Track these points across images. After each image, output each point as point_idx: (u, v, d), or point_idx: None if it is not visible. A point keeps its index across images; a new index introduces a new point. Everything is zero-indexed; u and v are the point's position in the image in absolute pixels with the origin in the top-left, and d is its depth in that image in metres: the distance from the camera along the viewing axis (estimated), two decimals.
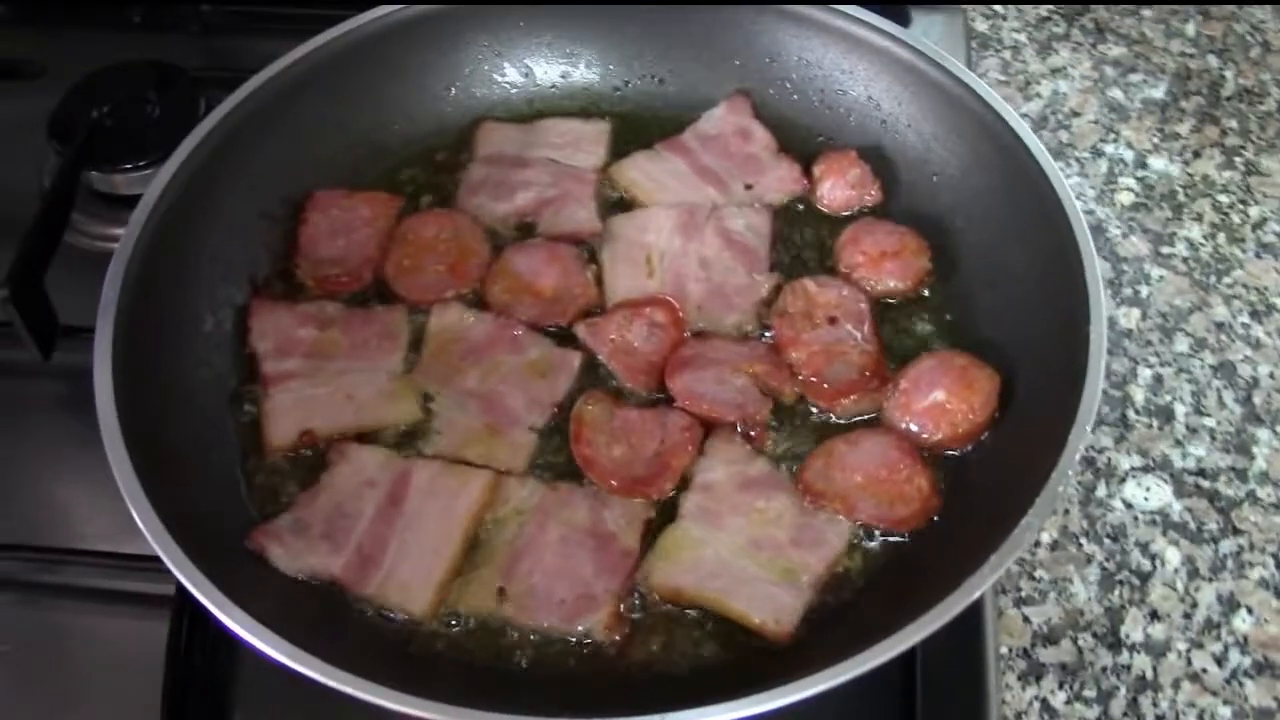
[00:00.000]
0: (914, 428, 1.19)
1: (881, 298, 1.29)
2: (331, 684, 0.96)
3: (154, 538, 1.02)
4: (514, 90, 1.46)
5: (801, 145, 1.40)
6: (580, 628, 1.09)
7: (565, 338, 1.27)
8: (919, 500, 1.15)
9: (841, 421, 1.22)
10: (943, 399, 1.18)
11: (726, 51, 1.43)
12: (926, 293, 1.30)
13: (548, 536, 1.14)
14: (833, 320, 1.25)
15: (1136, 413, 1.39)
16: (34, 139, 1.48)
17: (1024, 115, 1.65)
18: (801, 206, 1.37)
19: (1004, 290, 1.25)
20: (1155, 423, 1.39)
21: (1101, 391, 1.09)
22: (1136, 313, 1.47)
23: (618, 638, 1.09)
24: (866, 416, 1.22)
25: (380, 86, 1.41)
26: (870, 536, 1.15)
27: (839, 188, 1.34)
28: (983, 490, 1.14)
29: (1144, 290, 1.49)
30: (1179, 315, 1.46)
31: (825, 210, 1.36)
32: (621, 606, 1.11)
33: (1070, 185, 1.50)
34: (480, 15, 1.42)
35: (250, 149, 1.33)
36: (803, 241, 1.34)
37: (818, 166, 1.36)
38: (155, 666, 1.13)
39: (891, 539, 1.15)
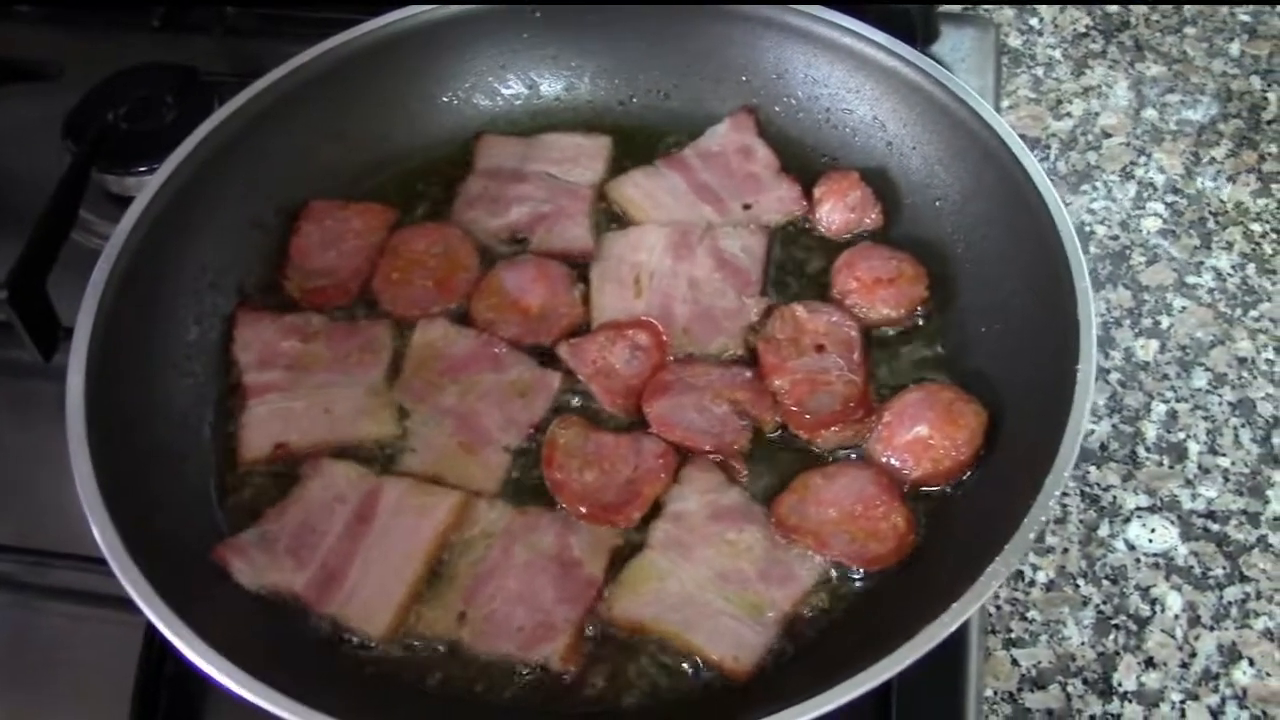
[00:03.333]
0: (895, 462, 1.15)
1: (874, 326, 1.25)
2: (273, 709, 0.95)
3: (108, 549, 1.03)
4: (517, 102, 1.44)
5: (805, 165, 1.37)
6: (537, 657, 1.08)
7: (547, 357, 1.25)
8: (894, 538, 1.11)
9: (822, 453, 1.18)
10: (926, 434, 1.15)
11: (733, 67, 1.40)
12: (921, 321, 1.26)
13: (513, 561, 1.12)
14: (820, 348, 1.22)
15: (1147, 450, 1.34)
16: (53, 139, 1.49)
17: (1052, 135, 1.60)
18: (800, 229, 1.34)
19: (999, 323, 1.21)
20: (1166, 461, 1.34)
21: (1082, 436, 1.04)
22: (1155, 344, 1.42)
23: (573, 668, 1.07)
24: (848, 449, 1.18)
25: (383, 95, 1.40)
26: (842, 574, 1.12)
27: (839, 210, 1.31)
28: (961, 531, 1.11)
29: (1165, 321, 1.43)
30: (1200, 348, 1.41)
31: (824, 233, 1.32)
32: (580, 636, 1.08)
33: (1096, 209, 1.47)
34: (485, 25, 1.40)
35: (248, 156, 1.33)
36: (798, 265, 1.31)
37: (819, 188, 1.33)
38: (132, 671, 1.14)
39: (864, 577, 1.11)
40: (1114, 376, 1.39)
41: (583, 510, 1.14)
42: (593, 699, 1.07)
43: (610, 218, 1.36)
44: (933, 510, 1.14)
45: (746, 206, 1.34)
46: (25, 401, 1.39)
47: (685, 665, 1.08)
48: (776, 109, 1.40)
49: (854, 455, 1.18)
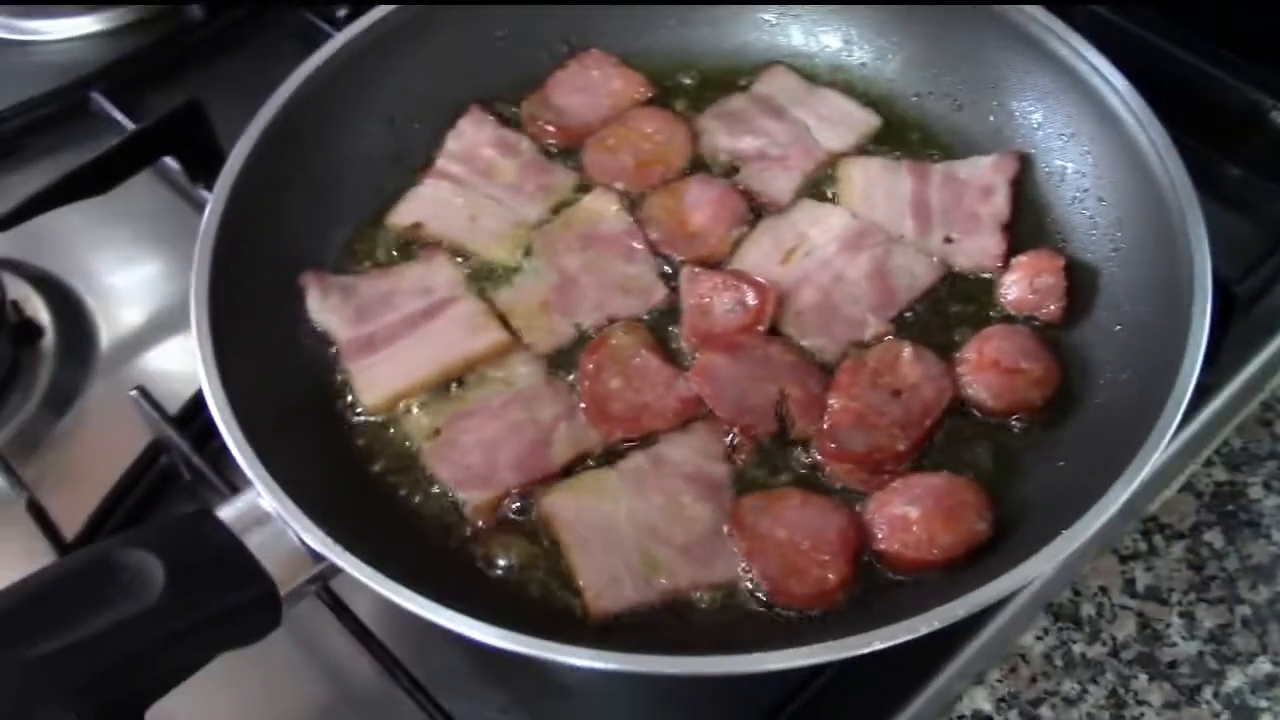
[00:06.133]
0: (873, 525, 1.10)
1: (970, 404, 1.17)
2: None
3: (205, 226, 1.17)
4: (825, 51, 1.44)
5: (1033, 233, 1.28)
6: (461, 495, 1.14)
7: (669, 273, 1.28)
8: (817, 587, 1.07)
9: (823, 482, 1.14)
10: (914, 517, 1.08)
11: (1032, 107, 1.32)
12: (1015, 425, 1.17)
13: (506, 414, 1.18)
14: (896, 393, 1.17)
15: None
16: None
17: None
18: (980, 285, 1.26)
19: (1075, 467, 1.11)
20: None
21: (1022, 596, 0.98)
22: None
23: (481, 524, 1.13)
24: (850, 492, 1.14)
25: None
26: (751, 591, 1.09)
27: (1022, 285, 1.23)
28: (877, 613, 1.04)
29: None
30: None
31: (1000, 302, 1.24)
32: (503, 500, 1.14)
33: None
34: None
35: None
36: (948, 316, 1.24)
37: (1021, 257, 1.25)
38: None
39: (765, 604, 1.08)
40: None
41: (588, 405, 1.18)
42: (486, 563, 1.12)
43: (822, 186, 1.34)
44: (872, 586, 1.09)
45: (948, 240, 1.28)
46: None
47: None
48: (1045, 168, 1.31)
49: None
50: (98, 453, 1.32)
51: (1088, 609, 1.22)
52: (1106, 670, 1.19)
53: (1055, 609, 1.22)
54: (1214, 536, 1.26)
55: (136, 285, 1.48)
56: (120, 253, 1.51)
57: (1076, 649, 1.21)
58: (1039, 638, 1.21)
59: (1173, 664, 1.19)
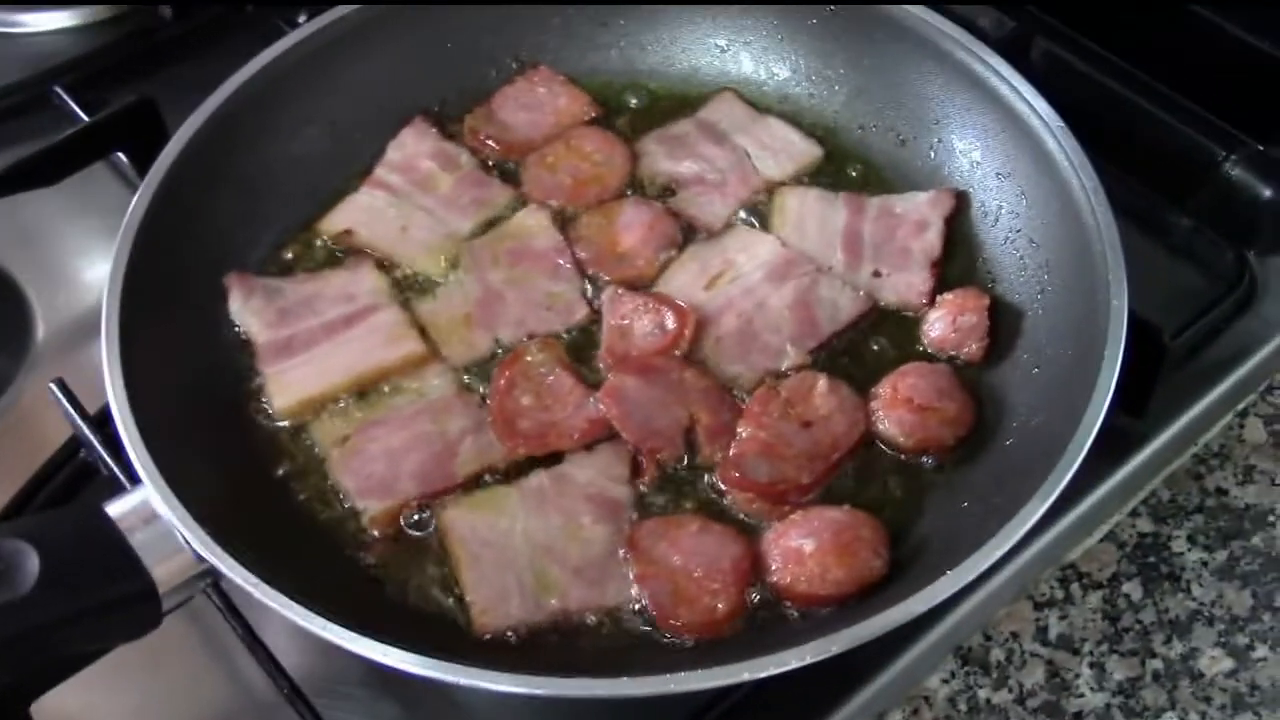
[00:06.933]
0: (768, 557, 1.08)
1: (881, 441, 1.16)
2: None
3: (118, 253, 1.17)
4: (774, 79, 1.43)
5: (964, 273, 1.27)
6: (360, 504, 1.13)
7: (594, 292, 1.27)
8: (706, 618, 1.06)
9: (726, 509, 1.13)
10: (809, 550, 1.07)
11: (971, 144, 1.31)
12: (927, 463, 1.15)
13: (413, 425, 1.17)
14: (807, 425, 1.15)
15: None
16: None
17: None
18: (905, 323, 1.25)
19: (980, 509, 1.09)
20: None
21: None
22: None
23: (377, 533, 1.12)
24: (751, 521, 1.12)
25: (680, 16, 1.44)
26: (638, 614, 1.08)
27: (944, 323, 1.21)
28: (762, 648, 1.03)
29: None
30: None
31: (922, 339, 1.23)
32: (401, 510, 1.13)
33: None
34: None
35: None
36: (871, 350, 1.23)
37: (946, 295, 1.24)
38: None
39: (653, 628, 1.07)
40: None
41: (496, 420, 1.17)
42: (377, 570, 1.11)
43: (757, 213, 1.33)
44: (760, 618, 1.07)
45: (877, 274, 1.27)
46: None
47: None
48: (980, 207, 1.30)
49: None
50: (23, 445, 1.32)
51: (997, 654, 1.20)
52: (1010, 717, 1.17)
53: (964, 653, 1.19)
54: (1132, 588, 1.24)
55: (81, 281, 1.47)
56: (68, 247, 1.51)
57: (982, 694, 1.18)
58: (945, 681, 1.18)
59: (1078, 715, 1.17)
